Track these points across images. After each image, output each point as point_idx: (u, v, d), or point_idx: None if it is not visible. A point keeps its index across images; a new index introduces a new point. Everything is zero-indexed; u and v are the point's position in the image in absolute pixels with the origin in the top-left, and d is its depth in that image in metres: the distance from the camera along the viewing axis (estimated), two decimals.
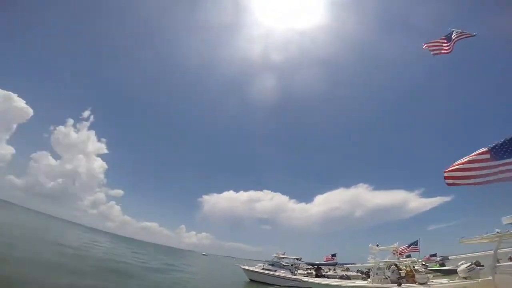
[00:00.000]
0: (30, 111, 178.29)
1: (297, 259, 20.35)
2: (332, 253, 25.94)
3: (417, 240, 22.07)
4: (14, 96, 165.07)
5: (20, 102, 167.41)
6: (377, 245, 14.86)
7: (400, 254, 16.51)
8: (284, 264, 21.07)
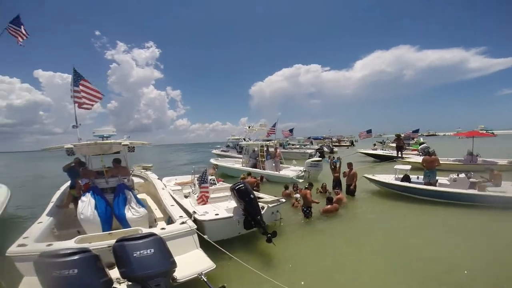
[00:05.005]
0: None
1: (244, 139, 23.11)
2: (368, 129, 24.48)
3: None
4: None
5: None
6: (249, 127, 16.76)
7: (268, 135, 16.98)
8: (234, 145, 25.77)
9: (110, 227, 5.06)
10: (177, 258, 3.75)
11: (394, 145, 19.82)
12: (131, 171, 6.99)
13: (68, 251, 2.91)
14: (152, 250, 3.16)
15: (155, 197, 7.56)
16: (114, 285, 3.09)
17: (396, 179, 9.63)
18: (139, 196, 7.63)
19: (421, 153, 17.59)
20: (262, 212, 5.69)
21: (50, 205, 5.94)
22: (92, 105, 7.09)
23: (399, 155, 17.32)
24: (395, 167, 10.26)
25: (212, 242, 4.49)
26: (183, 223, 4.61)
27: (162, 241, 3.44)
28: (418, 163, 12.11)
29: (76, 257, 2.81)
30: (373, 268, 4.58)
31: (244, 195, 5.38)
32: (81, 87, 6.78)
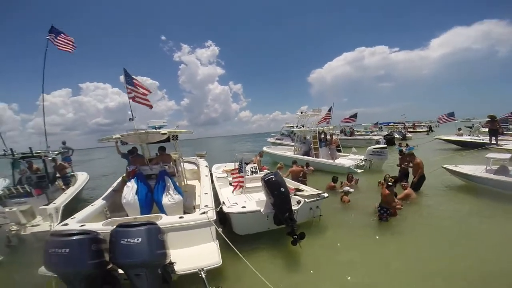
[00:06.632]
0: None
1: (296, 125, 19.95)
2: (449, 112, 20.13)
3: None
4: None
5: None
6: (301, 112, 15.52)
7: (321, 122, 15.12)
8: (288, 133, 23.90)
9: (150, 211, 5.26)
10: (188, 249, 3.93)
11: (486, 129, 15.90)
12: (180, 159, 7.15)
13: (67, 232, 3.06)
14: (140, 240, 3.02)
15: None
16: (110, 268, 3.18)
17: (488, 171, 7.51)
18: (191, 182, 7.94)
19: None
20: (297, 208, 5.08)
21: (109, 189, 6.54)
22: (145, 104, 7.69)
23: (493, 142, 13.81)
24: (487, 155, 7.97)
25: (224, 236, 4.10)
26: (203, 213, 4.38)
27: (158, 232, 3.24)
28: None
29: (72, 238, 2.94)
30: None
31: (274, 188, 4.76)
32: (136, 87, 7.32)
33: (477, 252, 4.36)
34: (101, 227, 4.07)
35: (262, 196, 5.93)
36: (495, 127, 14.08)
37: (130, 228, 3.08)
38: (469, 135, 18.94)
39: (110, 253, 3.07)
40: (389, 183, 6.10)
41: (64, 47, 9.65)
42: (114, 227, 3.23)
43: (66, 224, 4.25)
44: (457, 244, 4.70)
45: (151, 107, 7.83)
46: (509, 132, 18.82)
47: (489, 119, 14.77)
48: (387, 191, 5.85)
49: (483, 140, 15.15)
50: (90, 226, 4.11)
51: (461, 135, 18.92)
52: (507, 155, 7.74)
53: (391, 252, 4.58)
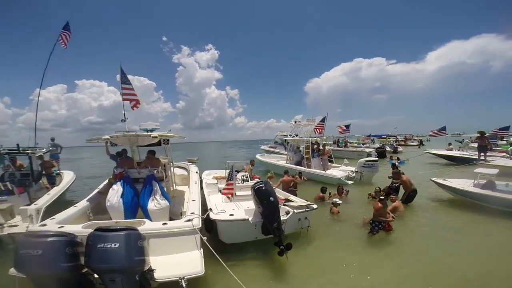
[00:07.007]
0: None
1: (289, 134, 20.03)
2: (440, 127, 20.61)
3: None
4: None
5: None
6: (295, 122, 15.21)
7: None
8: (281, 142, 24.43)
9: (134, 216, 5.15)
10: (170, 257, 3.83)
11: (476, 145, 16.17)
12: (170, 164, 7.05)
13: (41, 233, 3.04)
14: (117, 245, 2.91)
15: None
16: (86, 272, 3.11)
17: (475, 185, 7.60)
18: (180, 188, 7.80)
19: (511, 155, 14.08)
20: (285, 218, 5.00)
21: (95, 191, 6.37)
22: (137, 106, 7.72)
23: (481, 157, 14.04)
24: (475, 170, 8.07)
25: (208, 245, 3.98)
26: (189, 220, 4.27)
27: (138, 237, 3.12)
28: (509, 168, 9.53)
29: (46, 239, 2.87)
30: None
31: (263, 197, 4.68)
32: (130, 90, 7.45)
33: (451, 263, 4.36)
34: (80, 229, 3.94)
35: (251, 204, 5.84)
36: (484, 143, 14.32)
37: (108, 233, 2.97)
38: (459, 150, 19.28)
39: (86, 257, 2.97)
40: (381, 197, 6.04)
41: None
42: (93, 230, 3.11)
43: (45, 225, 4.15)
44: (440, 255, 4.69)
45: (135, 107, 7.79)
46: (497, 149, 19.20)
47: (478, 135, 15.03)
48: (379, 204, 5.77)
49: (471, 156, 15.42)
50: (70, 228, 3.97)
51: (451, 150, 19.25)
52: (495, 170, 7.86)
53: (379, 264, 4.53)
